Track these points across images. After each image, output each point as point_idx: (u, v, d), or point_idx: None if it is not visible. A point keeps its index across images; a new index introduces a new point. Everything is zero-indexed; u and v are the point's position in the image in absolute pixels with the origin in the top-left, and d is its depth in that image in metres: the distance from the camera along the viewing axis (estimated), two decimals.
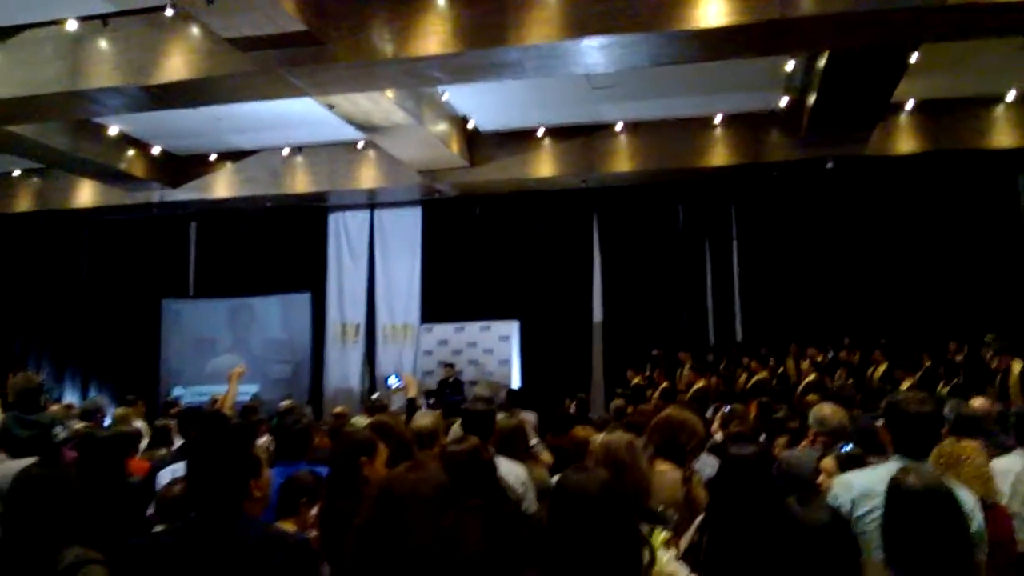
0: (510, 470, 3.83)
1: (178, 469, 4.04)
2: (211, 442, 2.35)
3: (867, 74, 9.53)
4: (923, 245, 13.16)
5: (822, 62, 9.52)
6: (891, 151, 12.13)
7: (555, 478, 4.24)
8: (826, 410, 3.94)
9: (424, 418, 4.31)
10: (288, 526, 3.15)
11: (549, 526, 2.00)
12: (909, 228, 13.26)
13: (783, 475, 3.44)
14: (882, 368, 11.56)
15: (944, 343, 11.75)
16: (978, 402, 5.60)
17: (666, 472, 3.54)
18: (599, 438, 3.32)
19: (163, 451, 6.15)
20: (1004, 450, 4.24)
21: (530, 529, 3.05)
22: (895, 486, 2.31)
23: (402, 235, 15.48)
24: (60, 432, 4.49)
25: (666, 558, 2.57)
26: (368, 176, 13.73)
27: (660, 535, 2.72)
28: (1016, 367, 9.73)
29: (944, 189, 13.15)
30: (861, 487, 2.89)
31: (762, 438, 5.67)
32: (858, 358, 12.18)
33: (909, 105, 11.77)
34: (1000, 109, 11.73)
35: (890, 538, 2.28)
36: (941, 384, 10.82)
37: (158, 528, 3.17)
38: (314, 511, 3.23)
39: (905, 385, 10.52)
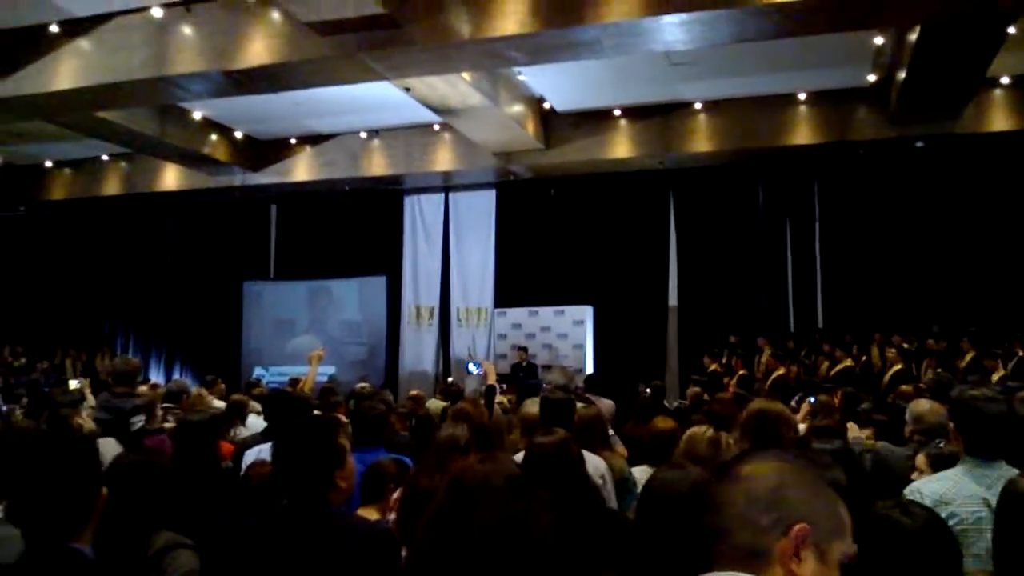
0: (588, 460, 3.75)
1: (263, 450, 4.09)
2: (298, 432, 2.37)
3: (961, 48, 9.04)
4: (1016, 229, 12.50)
5: (913, 36, 9.07)
6: (985, 129, 11.55)
7: (635, 471, 4.19)
8: (924, 406, 3.72)
9: (533, 406, 4.26)
10: (371, 512, 3.15)
11: (636, 526, 1.92)
12: (1002, 211, 12.58)
13: (876, 468, 3.29)
14: (969, 357, 11.10)
15: None
16: None
17: None
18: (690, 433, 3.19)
19: (242, 430, 6.29)
20: None
21: (613, 527, 2.99)
22: (1009, 492, 2.16)
23: (476, 218, 15.49)
24: (137, 422, 4.59)
25: None
26: (444, 159, 13.75)
27: None
28: None
29: None
30: (932, 494, 2.70)
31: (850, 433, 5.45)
32: (945, 347, 11.71)
33: (1005, 80, 11.19)
34: None
35: (1003, 548, 2.13)
36: None
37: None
38: (396, 495, 3.24)
39: (996, 377, 10.09)
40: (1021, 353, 10.84)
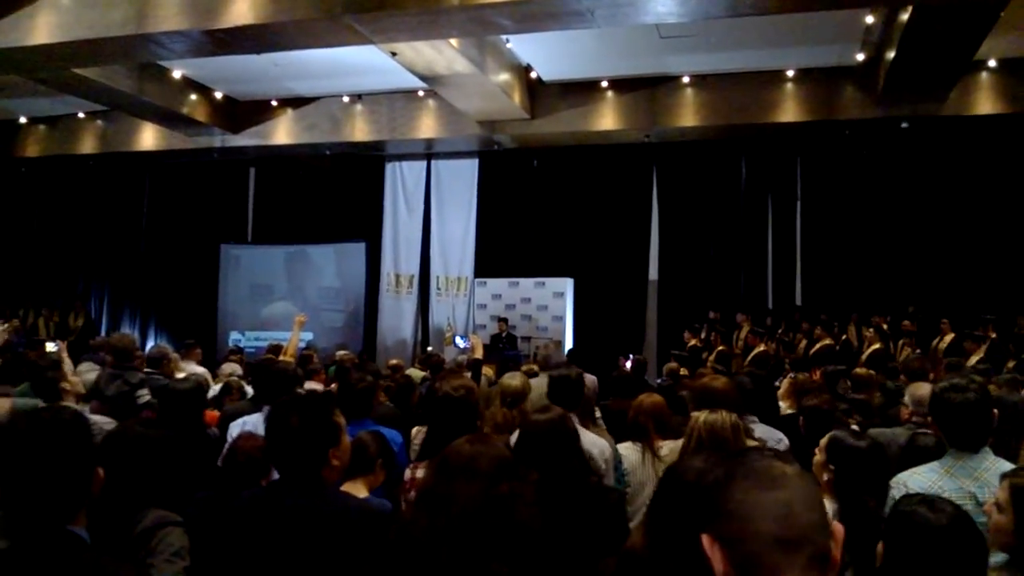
0: (594, 443, 3.75)
1: (249, 421, 4.04)
2: (294, 408, 2.33)
3: (952, 29, 9.02)
4: (998, 212, 12.61)
5: (905, 15, 9.04)
6: (970, 111, 11.58)
7: (619, 447, 4.18)
8: (924, 389, 3.71)
9: (513, 379, 4.23)
10: (359, 486, 3.12)
11: (652, 512, 1.89)
12: (984, 193, 12.68)
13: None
14: (948, 339, 11.20)
15: (1012, 316, 11.32)
16: None
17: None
18: (701, 416, 3.15)
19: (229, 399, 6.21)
20: None
21: (608, 504, 2.97)
22: (1017, 486, 2.16)
23: (458, 186, 15.37)
24: (143, 395, 4.53)
25: None
26: (427, 126, 13.59)
27: None
28: None
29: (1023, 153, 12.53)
30: (918, 488, 2.68)
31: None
32: (917, 328, 11.78)
33: (991, 64, 11.21)
34: None
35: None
36: (1010, 360, 10.45)
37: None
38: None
39: (973, 359, 10.18)
40: (994, 336, 10.97)
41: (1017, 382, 5.96)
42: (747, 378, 4.85)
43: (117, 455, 2.14)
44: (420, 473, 3.30)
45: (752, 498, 1.12)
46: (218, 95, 13.63)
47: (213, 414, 4.87)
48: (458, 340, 12.17)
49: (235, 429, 3.88)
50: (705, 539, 1.15)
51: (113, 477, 1.82)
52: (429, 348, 13.20)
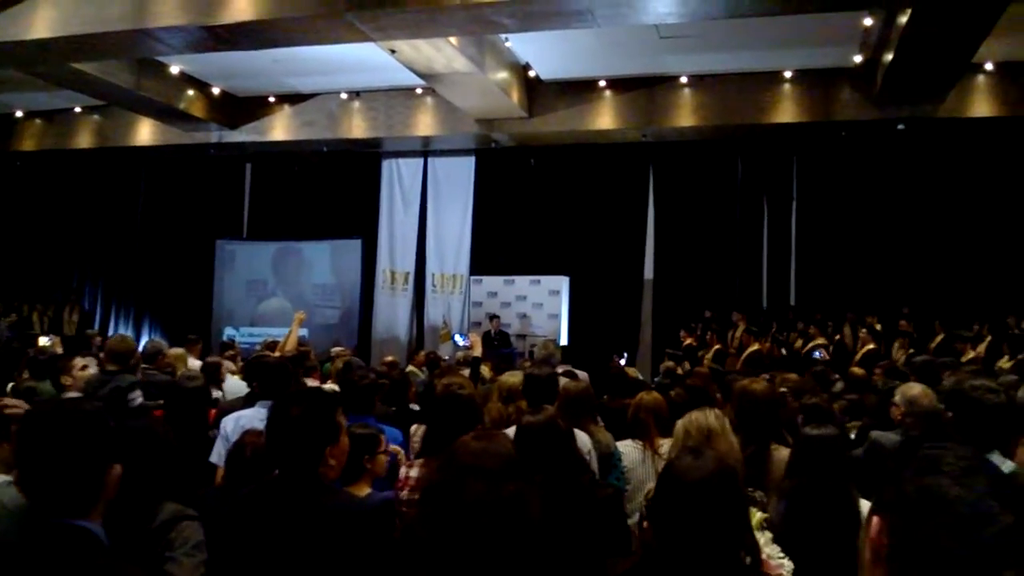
0: (576, 437, 3.76)
1: (244, 416, 4.04)
2: (296, 405, 2.33)
3: (951, 31, 9.05)
4: (992, 214, 12.66)
5: (904, 18, 9.07)
6: (966, 114, 11.63)
7: (619, 445, 4.20)
8: (916, 390, 3.75)
9: (514, 376, 4.26)
10: (361, 488, 3.13)
11: (655, 513, 1.91)
12: (978, 196, 12.72)
13: (870, 456, 3.31)
14: (939, 339, 11.26)
15: (1005, 316, 11.39)
16: None
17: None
18: (693, 417, 3.18)
19: (217, 393, 6.20)
20: None
21: (604, 503, 2.99)
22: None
23: (455, 184, 15.36)
24: (135, 398, 4.52)
25: (762, 540, 2.49)
26: (424, 123, 13.59)
27: (756, 515, 2.63)
28: None
29: (1018, 156, 12.55)
30: None
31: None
32: (913, 328, 11.85)
33: (988, 67, 11.26)
34: None
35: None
36: (1005, 359, 10.53)
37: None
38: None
39: (966, 358, 10.24)
40: (989, 337, 11.03)
41: (1016, 385, 5.99)
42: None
43: (132, 450, 2.15)
44: (414, 472, 3.31)
45: None
46: (216, 91, 13.60)
47: (211, 411, 4.87)
48: (457, 338, 12.17)
49: (229, 423, 3.88)
50: None
51: (129, 472, 1.83)
52: (427, 349, 13.20)
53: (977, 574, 1.06)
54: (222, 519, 2.31)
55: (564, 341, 13.66)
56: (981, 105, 11.54)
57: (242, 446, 3.10)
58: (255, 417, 3.87)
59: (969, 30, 9.00)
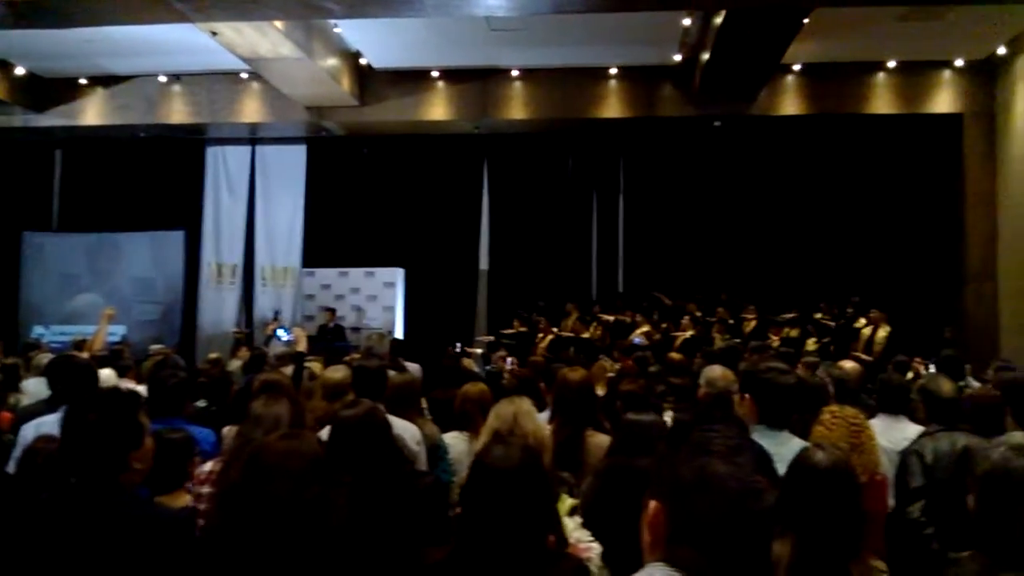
0: (404, 428, 3.71)
1: (45, 423, 3.73)
2: (92, 406, 2.18)
3: (761, 34, 9.64)
4: (803, 206, 13.63)
5: (719, 19, 9.57)
6: (776, 112, 12.43)
7: (445, 437, 4.18)
8: (716, 371, 3.95)
9: (337, 372, 4.14)
10: (180, 497, 2.96)
11: (466, 502, 1.89)
12: (790, 189, 13.71)
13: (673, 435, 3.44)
14: (752, 325, 12.00)
15: (815, 303, 12.28)
16: (848, 364, 5.74)
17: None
18: (500, 404, 3.20)
19: (22, 397, 5.72)
20: (869, 413, 4.29)
21: (428, 494, 2.96)
22: (801, 462, 2.31)
23: (285, 173, 14.86)
24: None
25: (571, 525, 2.53)
26: (251, 110, 13.06)
27: (566, 502, 2.66)
28: (883, 331, 10.30)
29: (825, 152, 13.57)
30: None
31: None
32: (727, 314, 12.55)
33: (796, 68, 12.06)
34: (881, 76, 12.16)
35: (791, 509, 2.27)
36: (812, 340, 11.36)
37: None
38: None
39: (776, 342, 10.96)
40: (798, 322, 11.88)
41: (814, 365, 6.42)
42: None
43: None
44: (210, 466, 3.15)
45: None
46: (20, 71, 12.47)
47: (7, 415, 4.48)
48: (280, 333, 11.76)
49: (29, 431, 3.58)
50: None
51: None
52: (237, 334, 12.75)
53: (750, 545, 1.12)
54: (15, 527, 2.13)
55: (400, 333, 13.56)
56: (790, 104, 12.36)
57: (33, 452, 2.88)
58: (57, 423, 3.58)
59: (777, 32, 9.64)
